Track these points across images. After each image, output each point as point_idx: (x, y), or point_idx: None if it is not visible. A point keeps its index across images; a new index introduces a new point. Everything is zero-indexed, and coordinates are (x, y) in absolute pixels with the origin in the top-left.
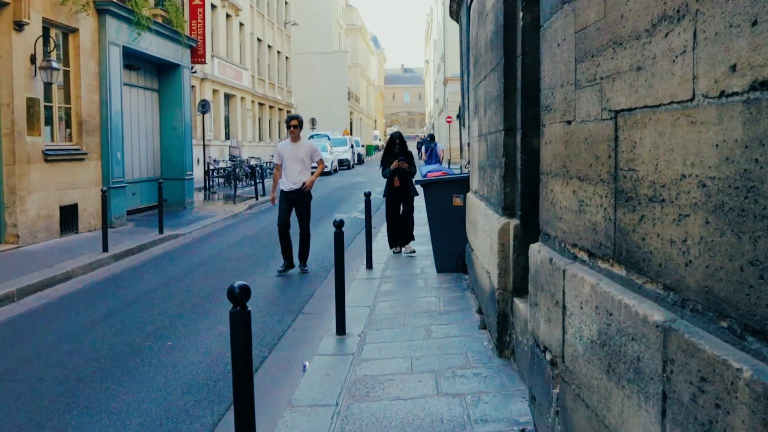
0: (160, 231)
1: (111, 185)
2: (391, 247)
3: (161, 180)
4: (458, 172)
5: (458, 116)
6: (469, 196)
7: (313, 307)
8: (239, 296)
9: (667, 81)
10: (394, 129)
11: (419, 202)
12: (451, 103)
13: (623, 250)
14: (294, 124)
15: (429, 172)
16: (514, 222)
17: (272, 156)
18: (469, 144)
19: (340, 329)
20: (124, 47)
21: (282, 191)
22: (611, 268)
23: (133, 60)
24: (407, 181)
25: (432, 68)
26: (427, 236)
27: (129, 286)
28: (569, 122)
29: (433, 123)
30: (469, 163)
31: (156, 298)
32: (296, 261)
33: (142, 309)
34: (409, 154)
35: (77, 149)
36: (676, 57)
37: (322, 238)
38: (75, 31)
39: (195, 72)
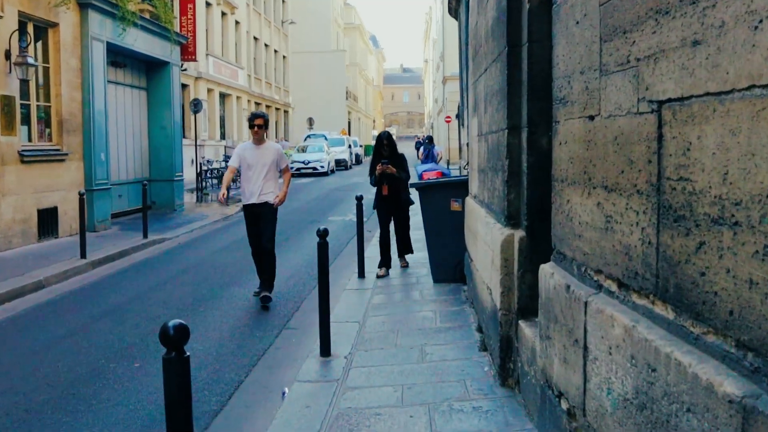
0: (145, 235)
1: (94, 187)
2: (379, 267)
3: (146, 182)
4: (456, 173)
5: (457, 116)
6: (469, 201)
7: (299, 321)
8: (174, 339)
9: (744, 57)
10: (393, 129)
11: (415, 210)
12: (450, 103)
13: (670, 285)
14: (258, 124)
15: (424, 171)
16: (520, 234)
17: None
18: (468, 144)
19: (325, 350)
20: (108, 43)
21: (244, 206)
22: (652, 306)
23: (120, 57)
24: (398, 189)
25: (431, 68)
26: (423, 243)
27: (103, 297)
28: (592, 117)
29: (432, 123)
30: (468, 164)
31: (130, 310)
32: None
33: (112, 323)
34: (400, 156)
35: (57, 150)
36: (762, 21)
37: (313, 243)
38: (55, 25)
39: (185, 70)
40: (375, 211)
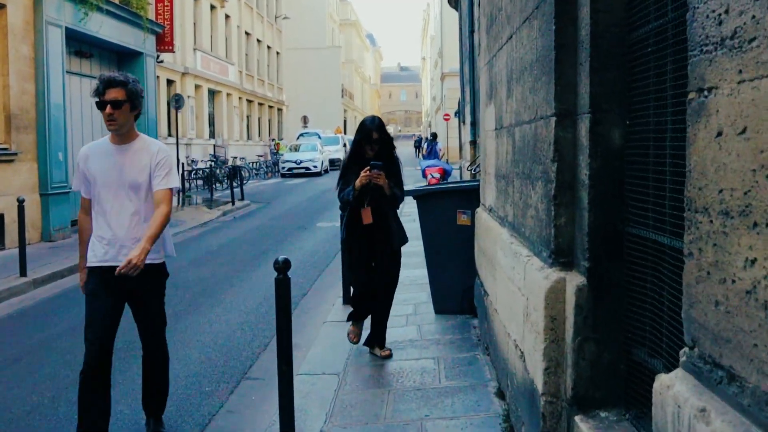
0: None
1: (50, 191)
2: (351, 321)
3: None
4: (457, 172)
5: (456, 113)
6: (481, 214)
7: (263, 368)
8: None
9: None
10: (391, 128)
11: (409, 224)
12: (448, 100)
13: None
14: (114, 99)
15: (427, 167)
16: (576, 280)
17: (259, 156)
18: (473, 143)
19: (287, 428)
20: (68, 29)
21: (90, 269)
22: None
23: (85, 46)
24: (387, 216)
25: (429, 65)
26: (421, 256)
27: (30, 329)
28: None
29: (429, 121)
30: (472, 165)
31: (55, 349)
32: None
33: (26, 370)
34: (395, 160)
35: (4, 149)
36: None
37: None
38: (2, 7)
39: (161, 61)
40: (342, 247)
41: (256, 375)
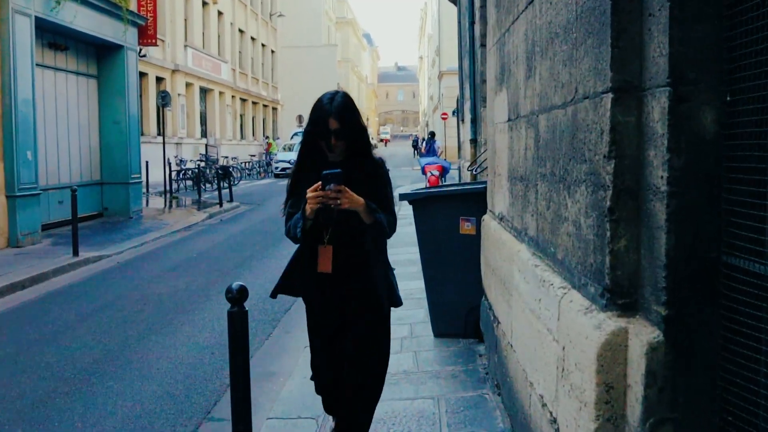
0: (75, 253)
1: (17, 193)
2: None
3: (75, 187)
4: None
5: (454, 112)
6: (489, 222)
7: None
8: None
9: None
10: (387, 128)
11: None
12: (446, 99)
13: None
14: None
15: (427, 164)
16: (646, 333)
17: (252, 156)
18: (473, 141)
19: None
20: (38, 19)
21: None
22: None
23: (59, 38)
24: (365, 257)
25: (426, 64)
26: (419, 265)
27: None
28: None
29: (427, 121)
30: (473, 164)
31: None
32: None
33: None
34: (374, 165)
35: None
36: None
37: (278, 267)
38: None
39: (144, 56)
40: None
41: (221, 414)
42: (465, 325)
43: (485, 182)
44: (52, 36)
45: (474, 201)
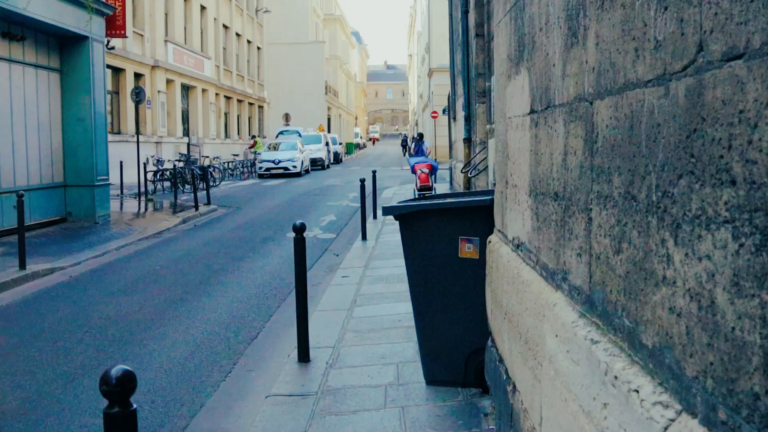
0: (21, 265)
1: None
2: None
3: (22, 191)
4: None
5: (445, 110)
6: (499, 247)
7: None
8: None
9: None
10: (376, 127)
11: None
12: (436, 97)
13: None
14: None
15: (416, 163)
16: None
17: (235, 155)
18: (467, 140)
19: None
20: None
21: None
22: None
23: (15, 27)
24: None
25: (416, 62)
26: (406, 291)
27: None
28: None
29: (417, 120)
30: (467, 165)
31: None
32: None
33: None
34: None
35: None
36: None
37: (272, 262)
38: None
39: (113, 48)
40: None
41: None
42: (465, 371)
43: (491, 192)
44: (6, 25)
45: (478, 217)
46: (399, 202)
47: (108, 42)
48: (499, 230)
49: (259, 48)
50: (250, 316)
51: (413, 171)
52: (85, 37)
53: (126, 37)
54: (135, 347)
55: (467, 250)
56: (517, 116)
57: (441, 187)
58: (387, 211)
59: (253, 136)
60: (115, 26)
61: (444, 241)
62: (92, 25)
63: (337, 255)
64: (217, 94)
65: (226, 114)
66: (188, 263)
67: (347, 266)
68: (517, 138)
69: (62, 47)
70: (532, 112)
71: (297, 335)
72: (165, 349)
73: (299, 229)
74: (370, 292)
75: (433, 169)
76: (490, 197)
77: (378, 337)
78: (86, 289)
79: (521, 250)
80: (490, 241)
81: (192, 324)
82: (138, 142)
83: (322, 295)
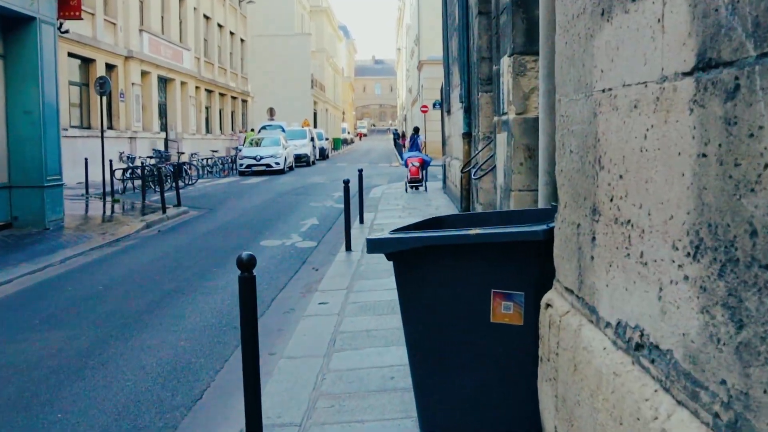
0: None
1: None
2: None
3: None
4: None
5: (436, 104)
6: (572, 319)
7: None
8: None
9: None
10: (363, 122)
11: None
12: (426, 91)
13: None
14: None
15: (409, 157)
16: None
17: (214, 151)
18: (467, 135)
19: None
20: None
21: None
22: None
23: None
24: None
25: (404, 55)
26: (398, 327)
27: None
28: None
29: (405, 114)
30: (467, 164)
31: None
32: None
33: None
34: None
35: None
36: None
37: (219, 298)
38: None
39: (66, 32)
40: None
41: None
42: None
43: (543, 214)
44: None
45: (522, 257)
46: (393, 232)
47: (61, 25)
48: (569, 290)
49: (242, 40)
50: (198, 362)
51: (406, 165)
52: (32, 18)
53: (81, 19)
54: (49, 406)
55: (504, 311)
56: (639, 84)
57: (433, 186)
58: (374, 246)
59: (242, 131)
60: (68, 6)
61: (465, 296)
62: (40, 5)
63: (317, 269)
64: (197, 88)
65: (207, 108)
66: (139, 281)
67: (327, 287)
68: (637, 127)
69: (5, 30)
70: (700, 68)
71: (245, 416)
72: (87, 407)
73: (247, 264)
74: (353, 329)
75: (424, 163)
76: (545, 226)
77: (363, 407)
78: (5, 319)
79: (648, 359)
80: (550, 305)
81: (119, 375)
82: (102, 137)
83: (293, 333)
